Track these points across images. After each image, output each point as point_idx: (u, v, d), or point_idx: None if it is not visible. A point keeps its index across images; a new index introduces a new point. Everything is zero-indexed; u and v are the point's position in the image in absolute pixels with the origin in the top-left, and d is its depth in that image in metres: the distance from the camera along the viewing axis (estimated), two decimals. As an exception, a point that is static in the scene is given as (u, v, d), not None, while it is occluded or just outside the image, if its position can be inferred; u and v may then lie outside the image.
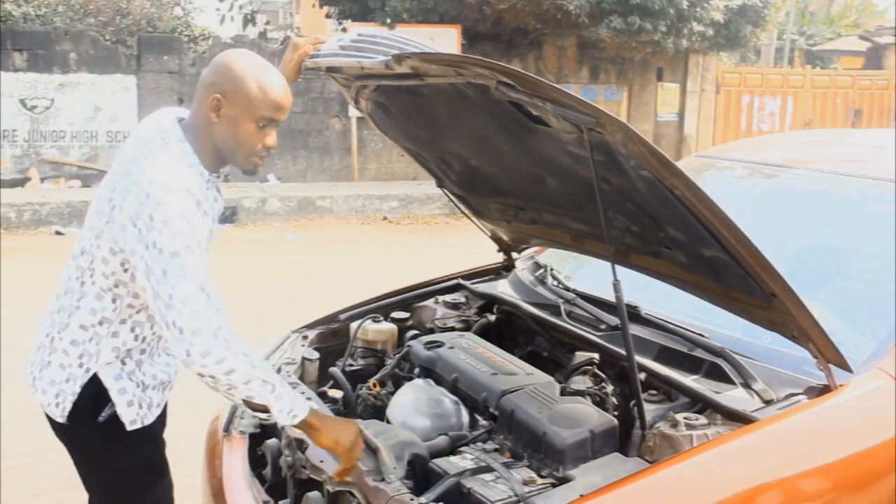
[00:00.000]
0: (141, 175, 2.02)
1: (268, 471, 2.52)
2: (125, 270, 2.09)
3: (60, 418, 2.18)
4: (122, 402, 2.18)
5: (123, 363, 2.19)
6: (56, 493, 3.99)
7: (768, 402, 2.16)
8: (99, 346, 2.16)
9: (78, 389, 2.15)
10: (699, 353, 2.42)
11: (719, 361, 2.35)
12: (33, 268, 8.59)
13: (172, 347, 1.97)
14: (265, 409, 2.05)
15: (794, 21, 28.11)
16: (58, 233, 10.52)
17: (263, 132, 2.14)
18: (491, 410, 2.35)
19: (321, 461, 2.24)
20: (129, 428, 2.20)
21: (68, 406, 2.16)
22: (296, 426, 2.08)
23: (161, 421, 2.34)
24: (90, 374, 2.16)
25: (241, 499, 2.41)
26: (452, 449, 2.25)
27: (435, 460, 2.14)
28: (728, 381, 2.29)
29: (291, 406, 2.05)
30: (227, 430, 2.67)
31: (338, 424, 2.12)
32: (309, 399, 2.29)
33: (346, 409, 2.63)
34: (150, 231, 1.96)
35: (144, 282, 1.98)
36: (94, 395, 2.17)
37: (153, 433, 2.29)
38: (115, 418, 2.18)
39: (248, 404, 2.06)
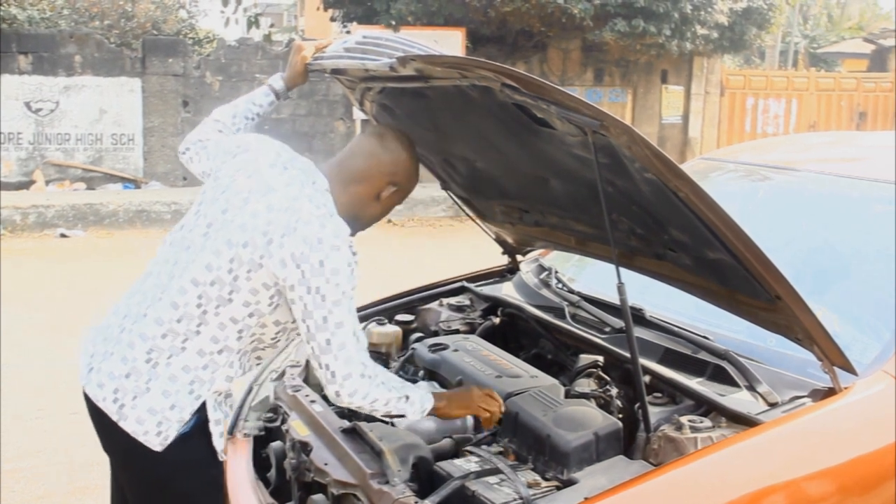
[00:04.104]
0: (309, 216, 2.04)
1: (272, 473, 2.52)
2: (269, 304, 2.09)
3: (158, 447, 2.05)
4: (217, 432, 2.12)
5: (224, 394, 2.15)
6: (60, 497, 3.99)
7: (773, 405, 2.15)
8: (214, 374, 2.10)
9: (186, 417, 2.06)
10: (703, 355, 2.42)
11: (724, 364, 2.35)
12: (37, 270, 8.60)
13: (323, 385, 2.10)
14: (402, 416, 2.19)
15: (798, 24, 28.09)
16: (62, 235, 10.54)
17: None
18: (495, 413, 2.35)
19: (325, 464, 2.24)
20: (220, 458, 2.16)
21: (172, 434, 2.05)
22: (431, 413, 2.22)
23: None
24: (200, 401, 2.08)
25: (245, 501, 2.41)
26: (457, 451, 2.25)
27: (439, 463, 2.14)
28: (732, 383, 2.28)
29: (422, 405, 2.18)
30: (231, 432, 2.67)
31: (456, 395, 2.27)
32: (431, 382, 2.39)
33: (350, 411, 2.62)
34: (315, 277, 1.99)
35: (300, 322, 2.05)
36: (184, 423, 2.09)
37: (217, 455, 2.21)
38: (182, 439, 2.08)
39: (387, 416, 2.19)
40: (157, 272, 2.19)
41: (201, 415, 2.09)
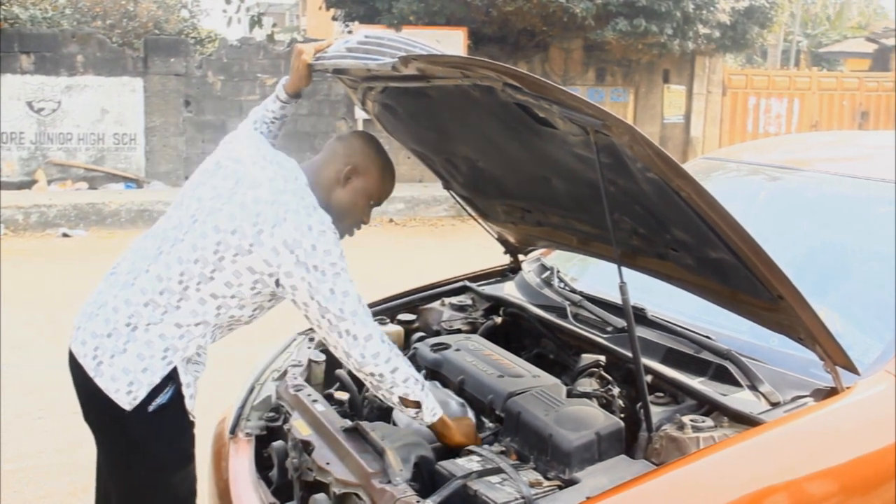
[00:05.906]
0: (297, 207, 2.20)
1: (274, 473, 2.52)
2: (252, 288, 2.23)
3: (128, 406, 2.21)
4: (188, 394, 2.29)
5: (191, 360, 2.30)
6: (61, 497, 3.99)
7: (775, 405, 2.15)
8: (188, 343, 2.26)
9: (157, 381, 2.22)
10: (706, 355, 2.41)
11: (726, 364, 2.34)
12: (39, 270, 8.60)
13: (345, 353, 2.20)
14: (417, 406, 2.23)
15: (800, 23, 28.06)
16: (65, 235, 10.55)
17: (368, 210, 2.45)
18: (497, 412, 2.35)
19: (327, 463, 2.24)
20: (192, 419, 2.32)
21: (141, 395, 2.21)
22: (434, 424, 2.26)
23: None
24: (171, 367, 2.24)
25: (247, 501, 2.41)
26: (458, 451, 2.24)
27: (441, 462, 2.13)
28: (735, 383, 2.28)
29: (434, 405, 2.26)
30: (233, 431, 2.68)
31: (462, 424, 2.31)
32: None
33: (352, 411, 2.63)
34: (310, 257, 2.15)
35: (307, 299, 2.17)
36: (154, 386, 2.24)
37: (191, 424, 2.37)
38: (160, 409, 2.25)
39: (404, 402, 2.23)
40: (148, 246, 2.36)
41: (177, 385, 2.25)
